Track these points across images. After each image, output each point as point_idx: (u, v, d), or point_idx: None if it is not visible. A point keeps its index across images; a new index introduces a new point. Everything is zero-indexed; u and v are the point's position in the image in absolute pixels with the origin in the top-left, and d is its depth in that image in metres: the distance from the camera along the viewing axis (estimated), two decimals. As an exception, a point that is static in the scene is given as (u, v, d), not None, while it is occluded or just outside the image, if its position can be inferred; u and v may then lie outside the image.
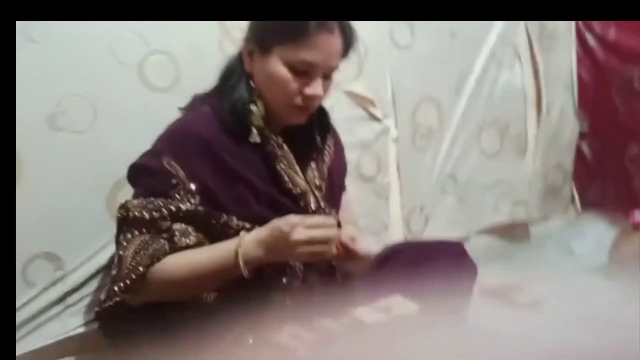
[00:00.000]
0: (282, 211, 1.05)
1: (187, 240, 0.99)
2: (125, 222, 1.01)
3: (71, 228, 1.31)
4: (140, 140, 1.07)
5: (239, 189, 1.04)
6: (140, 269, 0.95)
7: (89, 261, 1.33)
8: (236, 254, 0.95)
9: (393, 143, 1.89)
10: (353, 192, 1.65)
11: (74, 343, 1.31)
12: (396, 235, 1.91)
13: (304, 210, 1.09)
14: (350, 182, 1.51)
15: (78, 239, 1.31)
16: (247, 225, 1.03)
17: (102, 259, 1.32)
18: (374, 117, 1.82)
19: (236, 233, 1.00)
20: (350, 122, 1.77)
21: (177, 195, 0.99)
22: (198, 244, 1.00)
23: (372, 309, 1.04)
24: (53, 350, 1.30)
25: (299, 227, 0.92)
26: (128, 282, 0.96)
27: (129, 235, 0.99)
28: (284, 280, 1.06)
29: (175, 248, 0.98)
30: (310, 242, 0.92)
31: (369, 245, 1.05)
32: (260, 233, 0.97)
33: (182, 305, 1.05)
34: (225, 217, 1.02)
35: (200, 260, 0.98)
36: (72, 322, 1.32)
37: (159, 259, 0.97)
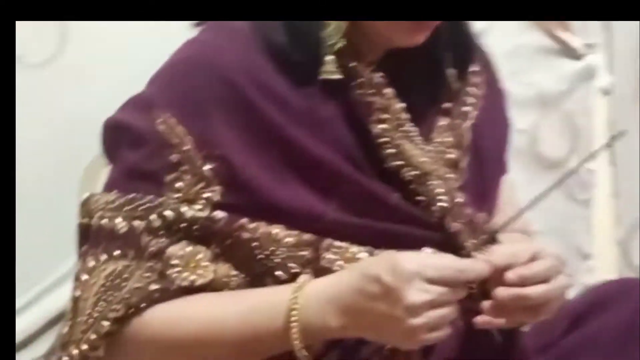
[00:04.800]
0: (380, 213, 1.01)
1: (194, 277, 0.96)
2: (87, 236, 1.00)
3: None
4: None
5: (295, 172, 1.00)
6: (105, 324, 0.94)
7: (32, 307, 1.44)
8: (288, 318, 0.91)
9: (603, 97, 1.83)
10: (523, 185, 1.61)
11: None
12: (605, 269, 1.87)
13: (425, 209, 1.03)
14: (518, 165, 1.51)
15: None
16: (306, 251, 0.98)
17: (54, 305, 1.42)
18: (567, 49, 1.79)
19: (286, 266, 0.98)
20: (522, 55, 1.77)
21: (179, 185, 0.96)
22: (215, 284, 0.98)
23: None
24: None
25: (417, 280, 0.87)
26: (85, 347, 0.95)
27: (92, 262, 0.98)
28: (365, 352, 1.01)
29: (170, 291, 0.95)
30: (436, 304, 0.89)
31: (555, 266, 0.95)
32: (337, 284, 0.94)
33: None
34: (266, 227, 0.97)
35: (218, 321, 0.97)
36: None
37: (138, 311, 0.94)
